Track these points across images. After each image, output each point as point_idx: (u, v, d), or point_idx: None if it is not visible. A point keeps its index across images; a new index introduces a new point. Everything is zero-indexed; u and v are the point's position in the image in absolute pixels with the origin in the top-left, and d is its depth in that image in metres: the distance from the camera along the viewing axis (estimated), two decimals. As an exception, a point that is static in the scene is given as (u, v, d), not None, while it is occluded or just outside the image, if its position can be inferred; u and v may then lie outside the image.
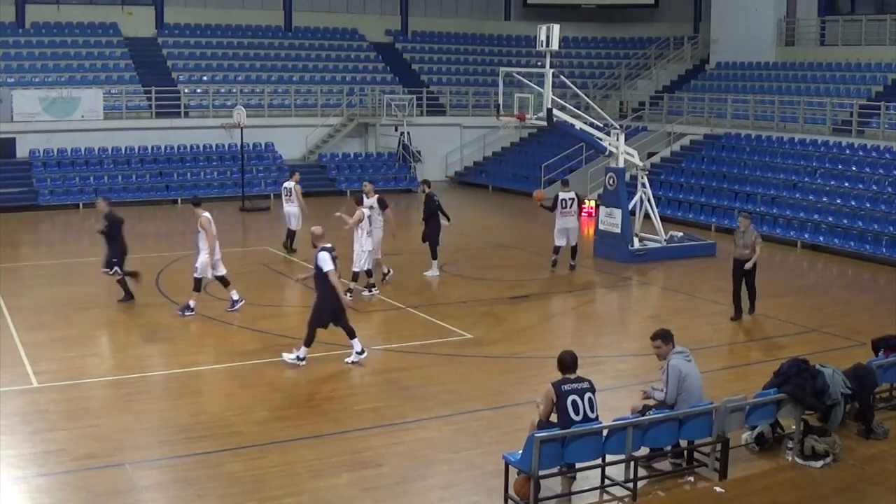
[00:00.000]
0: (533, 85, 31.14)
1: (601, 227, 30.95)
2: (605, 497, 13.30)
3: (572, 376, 13.22)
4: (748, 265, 22.56)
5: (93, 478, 13.80)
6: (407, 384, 18.00)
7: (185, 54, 52.12)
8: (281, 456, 14.54)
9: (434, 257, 27.93)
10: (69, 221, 38.82)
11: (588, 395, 13.04)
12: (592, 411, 13.04)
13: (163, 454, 14.80)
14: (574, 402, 12.95)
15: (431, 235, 27.86)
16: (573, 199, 28.58)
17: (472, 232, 35.92)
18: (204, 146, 46.84)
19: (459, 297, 24.95)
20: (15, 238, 34.31)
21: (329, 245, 18.99)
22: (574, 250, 28.93)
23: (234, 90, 49.77)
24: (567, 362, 13.38)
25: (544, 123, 30.99)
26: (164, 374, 19.03)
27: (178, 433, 15.56)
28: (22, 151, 44.29)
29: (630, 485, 13.15)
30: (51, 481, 13.76)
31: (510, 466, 12.86)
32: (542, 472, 12.56)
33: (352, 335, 19.09)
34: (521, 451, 12.74)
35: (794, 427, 14.53)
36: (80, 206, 41.64)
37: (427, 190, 28.43)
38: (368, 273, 25.38)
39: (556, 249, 28.63)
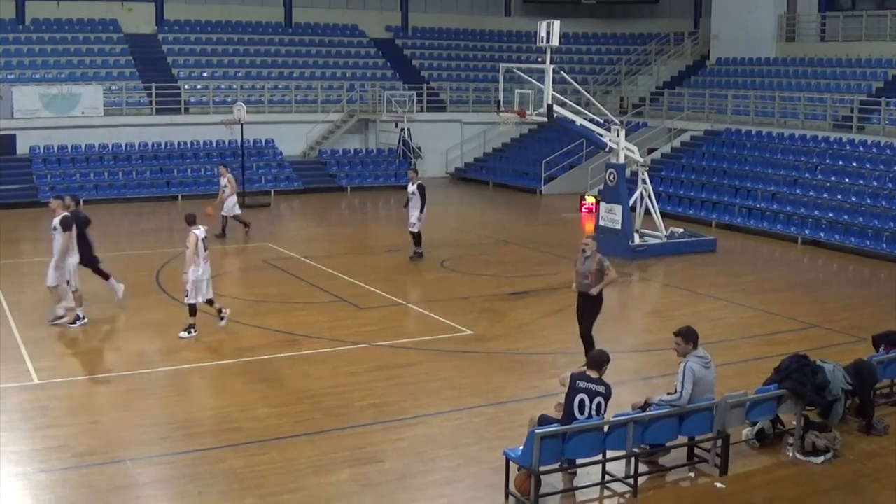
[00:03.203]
0: (533, 81, 31.17)
1: (602, 223, 30.92)
2: (606, 493, 13.31)
3: (594, 375, 13.17)
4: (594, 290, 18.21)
5: (94, 474, 13.81)
6: (408, 380, 18.02)
7: (186, 50, 52.09)
8: (281, 452, 14.55)
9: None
10: (69, 218, 38.76)
11: (598, 399, 12.97)
12: (599, 416, 13.01)
13: (163, 450, 14.80)
14: (581, 402, 12.94)
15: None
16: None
17: (473, 228, 35.95)
18: (204, 142, 46.85)
19: (460, 293, 24.94)
20: (15, 234, 34.29)
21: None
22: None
23: (235, 86, 49.74)
24: (592, 359, 13.37)
25: (545, 119, 31.02)
26: (164, 370, 18.99)
27: (179, 429, 15.57)
28: (22, 148, 44.29)
29: (631, 481, 13.15)
30: (52, 478, 13.76)
31: (511, 462, 12.86)
32: (542, 468, 12.56)
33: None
34: (521, 447, 12.74)
35: (794, 423, 14.54)
36: (81, 202, 41.56)
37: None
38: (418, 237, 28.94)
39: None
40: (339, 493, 13.21)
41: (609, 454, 13.23)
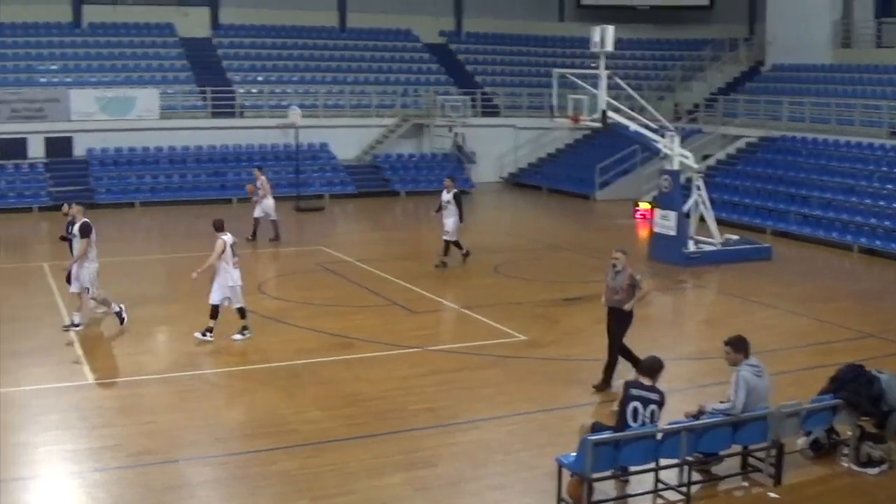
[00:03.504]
0: (587, 86, 31.09)
1: (656, 229, 30.80)
2: (659, 501, 13.24)
3: (647, 382, 13.13)
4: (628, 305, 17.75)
5: (148, 474, 13.95)
6: (461, 385, 18.05)
7: (241, 54, 52.44)
8: (335, 455, 14.62)
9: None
10: (125, 219, 39.17)
11: (652, 407, 12.93)
12: (652, 424, 12.98)
13: (217, 451, 14.94)
14: (635, 409, 12.92)
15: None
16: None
17: (526, 233, 35.95)
18: (259, 146, 47.11)
19: (513, 299, 24.94)
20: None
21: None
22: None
23: (289, 90, 50.05)
24: (646, 367, 13.33)
25: (599, 125, 30.98)
26: (219, 371, 19.18)
27: (232, 430, 15.74)
28: (79, 150, 44.81)
29: (684, 489, 13.11)
30: (106, 476, 13.91)
31: (563, 469, 12.85)
32: (595, 475, 12.54)
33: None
34: (574, 454, 12.74)
35: (849, 433, 14.43)
36: (137, 204, 42.07)
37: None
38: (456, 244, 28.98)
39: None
40: (392, 497, 13.26)
41: (662, 462, 13.19)
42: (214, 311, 20.57)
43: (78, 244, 21.55)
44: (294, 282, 27.54)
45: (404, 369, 18.91)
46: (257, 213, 33.23)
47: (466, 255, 29.21)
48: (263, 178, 33.48)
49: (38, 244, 33.25)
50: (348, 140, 49.03)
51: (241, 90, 49.60)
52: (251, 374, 18.81)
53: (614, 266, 17.69)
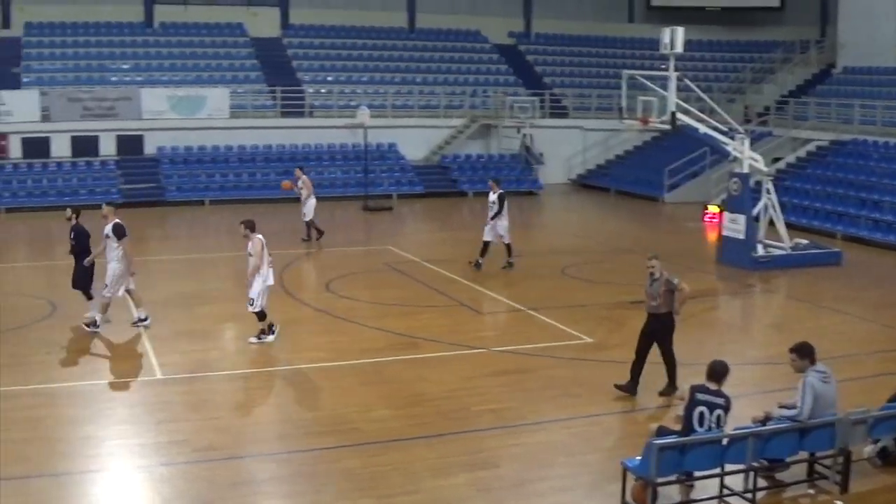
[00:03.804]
0: (657, 88, 30.97)
1: (725, 233, 30.58)
2: (724, 506, 13.20)
3: (713, 387, 13.05)
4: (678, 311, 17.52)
5: (213, 469, 14.12)
6: (526, 386, 18.04)
7: (310, 55, 52.75)
8: (399, 454, 14.69)
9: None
10: (195, 217, 39.56)
11: (718, 412, 12.84)
12: (718, 429, 12.89)
13: (282, 448, 15.09)
14: (701, 414, 12.84)
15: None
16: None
17: (594, 235, 35.86)
18: (328, 145, 47.37)
19: (580, 301, 24.89)
20: (143, 233, 35.00)
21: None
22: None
23: (358, 90, 50.27)
24: (712, 371, 13.22)
25: (668, 127, 30.81)
26: (285, 369, 19.33)
27: (298, 428, 15.84)
28: (150, 148, 45.34)
29: (749, 495, 13.02)
30: (173, 471, 14.09)
31: (628, 472, 12.82)
32: (660, 480, 12.50)
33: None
34: (639, 457, 12.70)
35: (918, 442, 14.27)
36: (206, 202, 42.44)
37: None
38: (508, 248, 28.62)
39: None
40: (456, 497, 13.29)
41: (728, 468, 13.10)
42: (262, 315, 20.55)
43: (112, 246, 21.29)
44: (362, 281, 27.65)
45: (469, 370, 18.94)
46: (307, 214, 33.20)
47: (510, 265, 28.81)
48: (304, 177, 33.39)
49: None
50: (417, 140, 49.13)
51: (311, 90, 49.90)
52: (317, 371, 18.91)
53: (651, 274, 17.41)
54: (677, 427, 13.21)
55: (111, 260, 21.30)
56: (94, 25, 50.58)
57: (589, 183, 51.07)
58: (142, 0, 51.32)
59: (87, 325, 21.23)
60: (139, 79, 47.39)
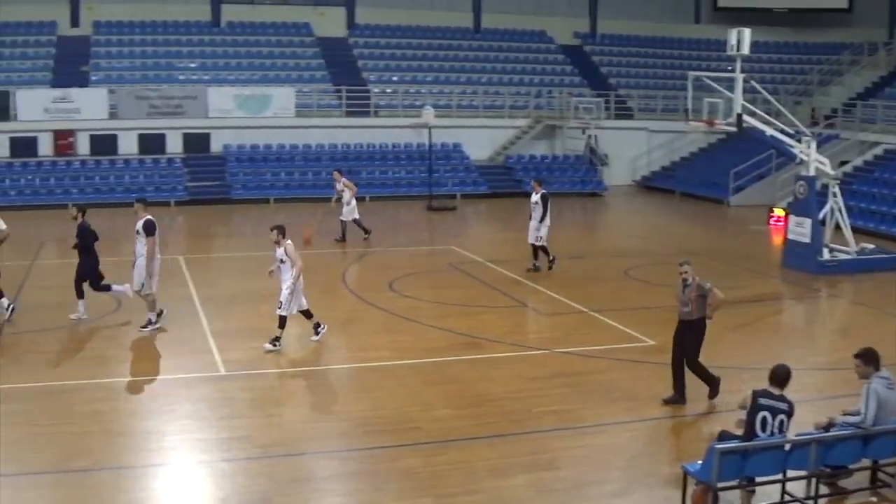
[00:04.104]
0: (722, 89, 30.76)
1: (790, 236, 30.33)
2: (785, 513, 13.11)
3: (776, 392, 12.95)
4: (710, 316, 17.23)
5: (274, 465, 14.22)
6: (587, 388, 18.01)
7: (376, 54, 52.98)
8: (459, 453, 14.71)
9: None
10: (260, 215, 39.80)
11: (781, 417, 12.73)
12: (781, 434, 12.79)
13: (342, 446, 15.17)
14: (764, 419, 12.74)
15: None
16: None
17: (658, 237, 35.68)
18: (393, 145, 47.55)
19: (643, 303, 24.76)
20: (208, 230, 35.41)
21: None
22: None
23: (423, 90, 50.41)
24: (774, 375, 13.10)
25: (734, 129, 30.59)
26: (347, 367, 19.44)
27: (359, 426, 15.89)
28: (216, 146, 45.77)
29: (811, 502, 12.91)
30: (234, 467, 14.21)
31: (689, 476, 12.77)
32: (721, 484, 12.43)
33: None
34: (700, 462, 12.64)
35: None
36: (271, 200, 42.72)
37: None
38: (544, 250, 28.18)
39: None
40: (516, 498, 13.28)
41: (790, 474, 13.01)
42: (308, 313, 20.46)
43: (142, 242, 21.26)
44: (425, 281, 27.71)
45: (531, 371, 18.93)
46: (349, 215, 33.00)
47: (536, 269, 28.43)
48: (345, 179, 33.16)
49: (174, 237, 33.89)
50: (481, 140, 49.19)
51: (376, 90, 50.11)
52: (379, 370, 18.97)
53: (684, 280, 17.04)
54: (739, 432, 13.14)
55: (140, 256, 21.32)
56: (161, 24, 51.15)
57: (653, 185, 50.86)
58: (209, -1, 51.86)
59: (143, 327, 21.28)
60: (206, 77, 47.87)
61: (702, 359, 17.15)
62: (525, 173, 47.99)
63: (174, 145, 45.30)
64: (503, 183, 47.29)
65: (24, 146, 43.94)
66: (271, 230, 20.09)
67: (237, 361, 19.24)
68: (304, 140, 46.59)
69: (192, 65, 49.27)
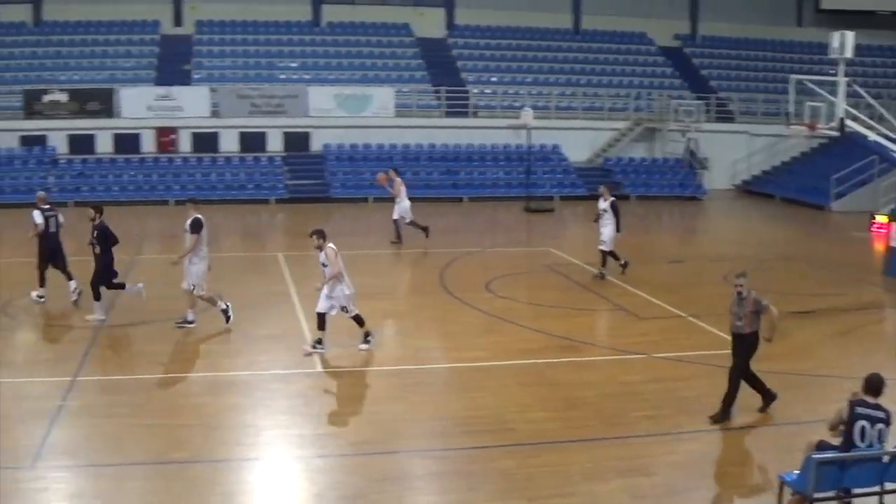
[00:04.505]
0: (825, 93, 30.45)
1: (893, 244, 29.80)
2: (882, 525, 12.92)
3: (871, 401, 12.77)
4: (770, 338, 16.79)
5: (369, 463, 14.37)
6: (684, 394, 17.89)
7: (475, 55, 53.09)
8: (553, 456, 14.71)
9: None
10: (358, 214, 40.13)
11: (880, 426, 12.53)
12: (880, 443, 12.62)
13: (437, 445, 15.25)
14: (862, 429, 12.57)
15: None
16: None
17: (756, 243, 35.33)
18: (491, 146, 47.59)
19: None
20: (307, 227, 35.55)
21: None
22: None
23: (522, 91, 50.41)
24: (869, 384, 12.91)
25: (836, 133, 30.32)
26: (443, 366, 19.53)
27: (454, 426, 15.96)
28: (316, 145, 46.25)
29: (909, 515, 12.75)
30: (329, 463, 14.41)
31: (785, 486, 12.64)
32: (817, 495, 12.30)
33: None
34: (797, 471, 12.51)
35: None
36: (370, 199, 42.97)
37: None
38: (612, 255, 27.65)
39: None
40: (610, 503, 13.28)
41: (887, 486, 12.82)
42: (322, 321, 19.78)
43: (188, 240, 21.32)
44: (521, 282, 27.72)
45: (627, 375, 18.87)
46: (401, 215, 32.77)
47: (625, 266, 28.00)
48: (398, 179, 32.86)
49: (274, 234, 34.33)
50: (580, 142, 49.08)
51: (475, 90, 50.21)
52: (475, 370, 19.04)
53: (739, 294, 16.52)
54: (837, 441, 12.99)
55: (198, 257, 21.36)
56: (262, 24, 51.77)
57: (753, 189, 50.34)
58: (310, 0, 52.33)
59: (179, 324, 21.36)
60: (306, 77, 48.38)
61: (805, 365, 16.94)
62: (624, 176, 47.85)
63: (274, 144, 45.87)
64: (601, 185, 46.99)
65: (127, 143, 44.80)
66: (311, 235, 19.99)
67: (334, 358, 19.44)
68: (403, 140, 46.89)
69: (293, 64, 49.81)
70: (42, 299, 23.26)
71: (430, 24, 54.25)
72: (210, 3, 51.59)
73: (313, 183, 44.08)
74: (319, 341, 19.78)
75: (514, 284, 27.02)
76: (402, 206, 32.58)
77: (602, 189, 28.68)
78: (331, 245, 19.78)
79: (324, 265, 19.67)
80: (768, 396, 16.84)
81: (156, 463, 14.17)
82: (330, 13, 53.08)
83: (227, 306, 21.69)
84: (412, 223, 32.76)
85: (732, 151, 51.12)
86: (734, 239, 36.77)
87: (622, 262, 27.96)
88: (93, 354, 19.56)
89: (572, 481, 13.79)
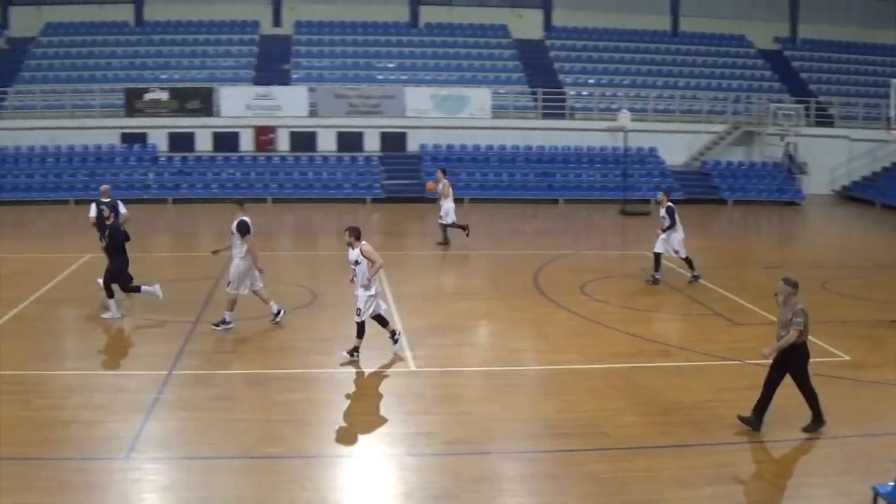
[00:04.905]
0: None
1: None
2: (979, 540, 12.71)
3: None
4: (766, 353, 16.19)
5: (459, 463, 14.43)
6: (778, 402, 17.59)
7: (572, 57, 53.01)
8: (646, 461, 14.66)
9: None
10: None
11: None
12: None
13: (528, 447, 15.27)
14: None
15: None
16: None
17: (856, 250, 34.87)
18: (587, 148, 47.46)
19: (839, 317, 24.17)
20: (403, 227, 35.93)
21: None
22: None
23: (619, 93, 50.27)
24: None
25: (938, 139, 29.75)
26: (536, 369, 19.54)
27: (545, 428, 15.97)
28: (412, 146, 46.45)
29: None
30: (419, 462, 14.49)
31: (879, 498, 12.50)
32: (913, 507, 12.17)
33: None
34: (892, 483, 12.37)
35: None
36: (466, 200, 43.04)
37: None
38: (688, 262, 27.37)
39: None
40: (701, 510, 13.20)
41: None
42: (362, 329, 19.38)
43: (237, 243, 21.14)
44: (615, 285, 27.60)
45: (722, 381, 18.70)
46: (445, 214, 32.50)
47: (655, 281, 27.29)
48: (445, 180, 32.69)
49: (368, 234, 34.40)
50: (677, 145, 48.79)
51: (572, 92, 50.13)
52: (567, 373, 19.01)
53: (786, 303, 15.88)
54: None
55: (235, 257, 21.29)
56: (361, 25, 52.18)
57: (854, 195, 49.62)
58: (408, 0, 52.54)
59: (216, 325, 21.29)
60: (404, 77, 48.66)
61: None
62: (721, 180, 47.47)
63: (371, 144, 46.20)
64: (699, 189, 46.77)
65: (226, 141, 45.42)
66: (344, 231, 19.54)
67: (427, 358, 19.56)
68: (500, 141, 46.93)
69: (391, 65, 50.15)
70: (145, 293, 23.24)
71: (527, 25, 54.28)
72: (309, 3, 52.14)
73: (409, 183, 44.29)
74: (394, 333, 19.85)
75: (608, 287, 26.94)
76: (446, 207, 32.42)
77: (660, 196, 28.27)
78: (364, 242, 19.35)
79: (356, 262, 19.10)
80: (761, 413, 16.25)
81: (247, 457, 14.38)
82: (428, 14, 53.36)
83: (280, 311, 21.78)
84: (452, 224, 32.52)
85: (832, 156, 50.45)
86: (833, 245, 36.30)
87: (656, 273, 27.45)
88: (188, 350, 19.87)
89: (663, 487, 13.74)
